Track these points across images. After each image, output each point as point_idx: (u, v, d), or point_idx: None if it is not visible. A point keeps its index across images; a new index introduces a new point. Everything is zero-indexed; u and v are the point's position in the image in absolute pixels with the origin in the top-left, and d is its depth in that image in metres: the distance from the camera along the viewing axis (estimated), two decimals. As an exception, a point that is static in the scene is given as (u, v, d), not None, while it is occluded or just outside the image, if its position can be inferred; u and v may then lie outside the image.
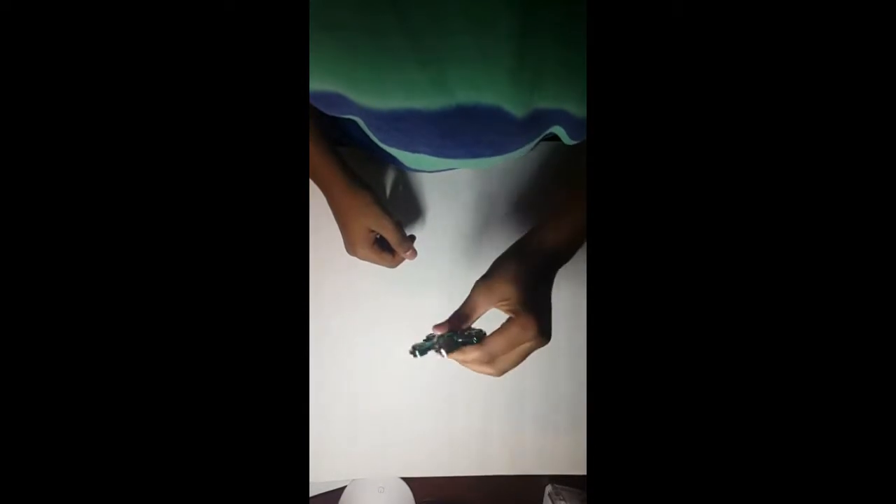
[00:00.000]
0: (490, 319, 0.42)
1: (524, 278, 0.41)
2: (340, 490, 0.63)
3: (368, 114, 0.38)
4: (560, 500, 0.58)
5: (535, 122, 0.39)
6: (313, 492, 0.62)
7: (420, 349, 0.44)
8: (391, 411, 0.60)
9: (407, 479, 0.62)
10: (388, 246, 0.52)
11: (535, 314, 0.40)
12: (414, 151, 0.45)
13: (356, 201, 0.50)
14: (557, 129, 0.41)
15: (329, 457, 0.58)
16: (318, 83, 0.36)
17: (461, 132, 0.40)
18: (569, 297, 0.60)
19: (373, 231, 0.50)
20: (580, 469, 0.60)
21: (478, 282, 0.42)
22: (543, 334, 0.40)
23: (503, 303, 0.40)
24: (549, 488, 0.61)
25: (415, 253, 0.52)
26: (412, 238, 0.52)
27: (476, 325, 0.44)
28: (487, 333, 0.41)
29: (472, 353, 0.40)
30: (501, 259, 0.43)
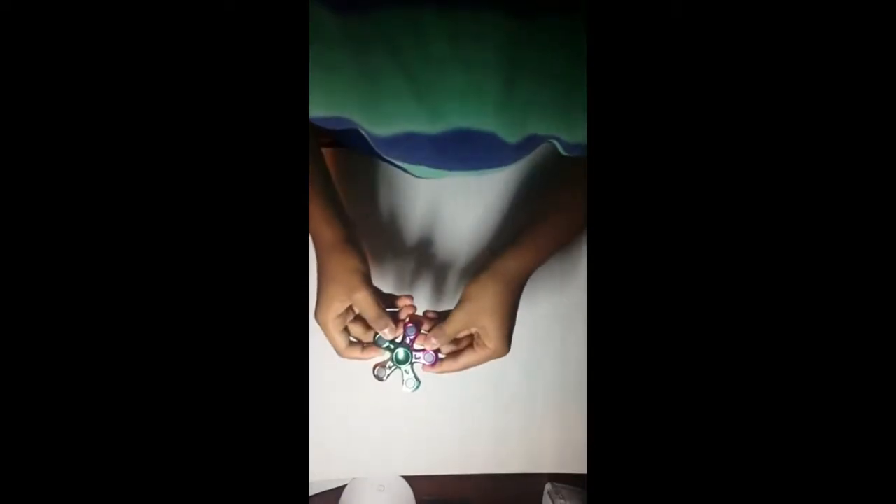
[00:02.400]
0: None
1: (499, 304, 0.44)
2: (340, 489, 0.63)
3: (370, 136, 0.40)
4: (560, 498, 0.58)
5: (529, 144, 0.40)
6: (313, 491, 0.62)
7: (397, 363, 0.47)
8: (391, 410, 0.60)
9: (407, 478, 0.62)
10: (360, 328, 0.46)
11: (505, 336, 0.44)
12: (413, 163, 0.46)
13: (342, 262, 0.43)
14: (553, 142, 0.43)
15: (329, 456, 0.58)
16: (323, 111, 0.37)
17: (458, 150, 0.41)
18: (568, 298, 0.61)
19: (347, 302, 0.43)
20: (580, 467, 0.60)
21: (456, 309, 0.44)
22: (506, 349, 0.45)
23: (479, 329, 0.44)
24: (548, 486, 0.61)
25: (394, 331, 0.45)
26: (392, 315, 0.46)
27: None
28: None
29: (447, 364, 0.46)
30: (478, 285, 0.45)
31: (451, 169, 0.45)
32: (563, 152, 0.43)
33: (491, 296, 0.44)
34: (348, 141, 0.57)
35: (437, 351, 0.46)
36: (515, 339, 0.61)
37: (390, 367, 0.47)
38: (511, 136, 0.38)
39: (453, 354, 0.46)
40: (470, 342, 0.46)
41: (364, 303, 0.43)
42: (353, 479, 0.63)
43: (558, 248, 0.49)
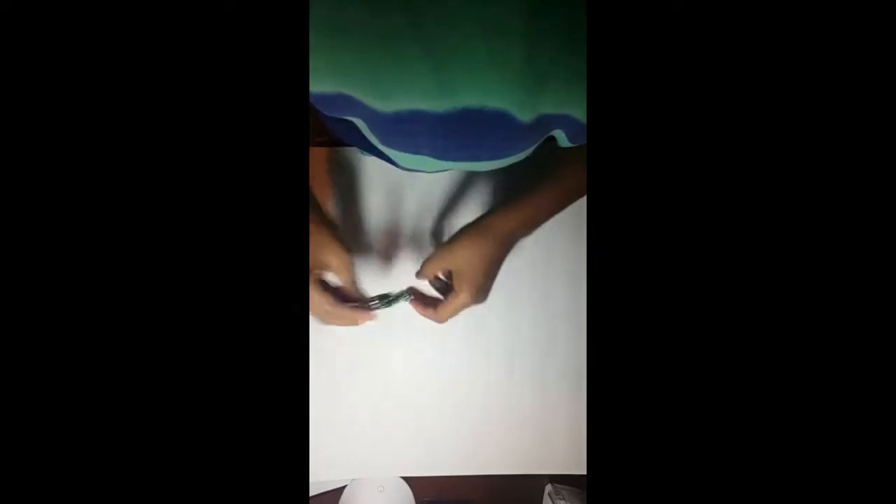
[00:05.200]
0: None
1: (478, 254, 0.49)
2: (340, 490, 0.63)
3: (373, 115, 0.38)
4: (560, 499, 0.58)
5: (539, 126, 0.39)
6: (313, 491, 0.62)
7: (385, 301, 0.55)
8: (391, 411, 0.60)
9: (407, 479, 0.62)
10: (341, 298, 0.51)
11: (477, 286, 0.49)
12: (414, 153, 0.45)
13: (317, 236, 0.48)
14: (557, 133, 0.42)
15: (329, 457, 0.58)
16: (323, 84, 0.35)
17: (464, 135, 0.40)
18: (568, 297, 0.61)
19: (325, 269, 0.49)
20: (580, 469, 0.60)
21: (438, 250, 0.50)
22: (475, 298, 0.50)
23: (455, 272, 0.49)
24: (548, 488, 0.61)
25: (369, 312, 0.51)
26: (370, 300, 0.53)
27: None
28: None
29: (427, 308, 0.53)
30: (463, 234, 0.49)
31: (452, 159, 0.45)
32: (566, 142, 0.43)
33: (472, 245, 0.48)
34: (344, 136, 0.57)
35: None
36: (516, 340, 0.61)
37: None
38: (523, 114, 0.37)
39: (432, 304, 0.53)
40: (446, 293, 0.51)
41: (340, 267, 0.48)
42: (353, 479, 0.62)
43: (549, 215, 0.53)
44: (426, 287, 0.58)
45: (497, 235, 0.49)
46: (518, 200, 0.50)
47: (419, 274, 0.52)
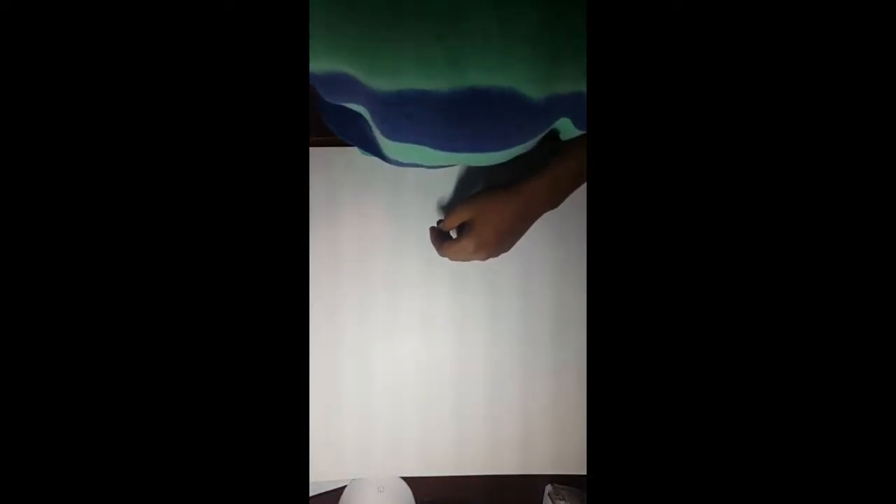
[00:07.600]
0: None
1: (502, 211, 0.49)
2: (340, 490, 0.63)
3: (374, 97, 0.36)
4: (560, 499, 0.58)
5: (548, 108, 0.37)
6: (313, 492, 0.62)
7: None
8: (391, 411, 0.60)
9: (407, 479, 0.62)
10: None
11: (486, 239, 0.49)
12: (417, 143, 0.43)
13: None
14: (563, 122, 0.41)
15: (329, 457, 0.58)
16: (321, 62, 0.33)
17: (470, 120, 0.38)
18: (568, 296, 0.60)
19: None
20: (580, 469, 0.60)
21: (463, 202, 0.50)
22: (486, 254, 0.50)
23: (474, 220, 0.49)
24: (548, 488, 0.61)
25: None
26: None
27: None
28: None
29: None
30: (492, 190, 0.49)
31: (455, 150, 0.43)
32: (572, 131, 0.43)
33: (493, 202, 0.49)
34: (345, 131, 0.56)
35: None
36: (517, 341, 0.61)
37: None
38: (534, 91, 0.35)
39: (444, 239, 0.53)
40: (462, 236, 0.51)
41: None
42: (353, 480, 0.62)
43: (574, 188, 0.52)
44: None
45: (521, 202, 0.49)
46: (546, 173, 0.50)
47: (441, 224, 0.53)
